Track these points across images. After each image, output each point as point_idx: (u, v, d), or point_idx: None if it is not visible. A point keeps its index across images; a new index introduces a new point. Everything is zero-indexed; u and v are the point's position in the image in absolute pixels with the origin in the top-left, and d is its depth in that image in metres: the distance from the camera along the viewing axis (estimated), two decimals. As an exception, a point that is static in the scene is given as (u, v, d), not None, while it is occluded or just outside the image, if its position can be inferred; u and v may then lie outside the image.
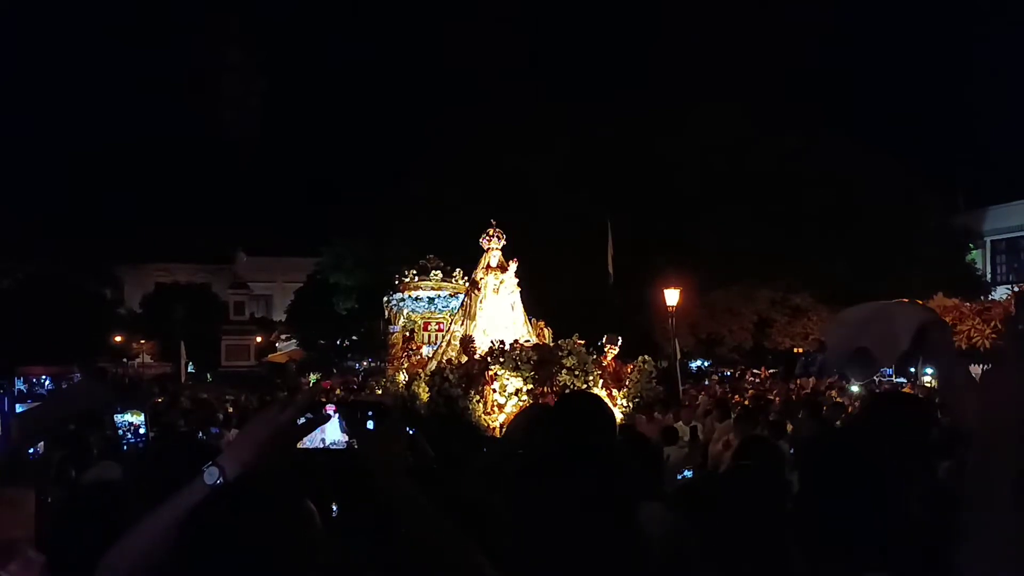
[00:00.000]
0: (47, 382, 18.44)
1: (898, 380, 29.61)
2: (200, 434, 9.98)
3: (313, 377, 38.08)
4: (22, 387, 16.85)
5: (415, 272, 16.19)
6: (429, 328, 16.10)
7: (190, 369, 39.22)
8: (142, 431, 6.75)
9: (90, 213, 41.99)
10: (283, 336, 52.38)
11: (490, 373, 11.89)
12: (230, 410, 16.59)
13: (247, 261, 55.30)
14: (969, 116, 47.24)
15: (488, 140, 35.04)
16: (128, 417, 6.58)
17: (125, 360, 42.90)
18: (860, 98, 44.50)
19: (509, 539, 2.09)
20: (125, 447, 6.74)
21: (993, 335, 28.21)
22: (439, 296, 15.98)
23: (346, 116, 56.30)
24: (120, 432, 6.57)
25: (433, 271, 16.08)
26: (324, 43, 57.70)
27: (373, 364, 40.54)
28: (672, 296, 23.00)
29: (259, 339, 50.14)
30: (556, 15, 44.56)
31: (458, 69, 41.21)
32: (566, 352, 12.18)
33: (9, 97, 43.07)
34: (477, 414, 11.41)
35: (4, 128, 42.53)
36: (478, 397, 11.67)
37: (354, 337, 46.18)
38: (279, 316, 54.16)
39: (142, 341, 46.38)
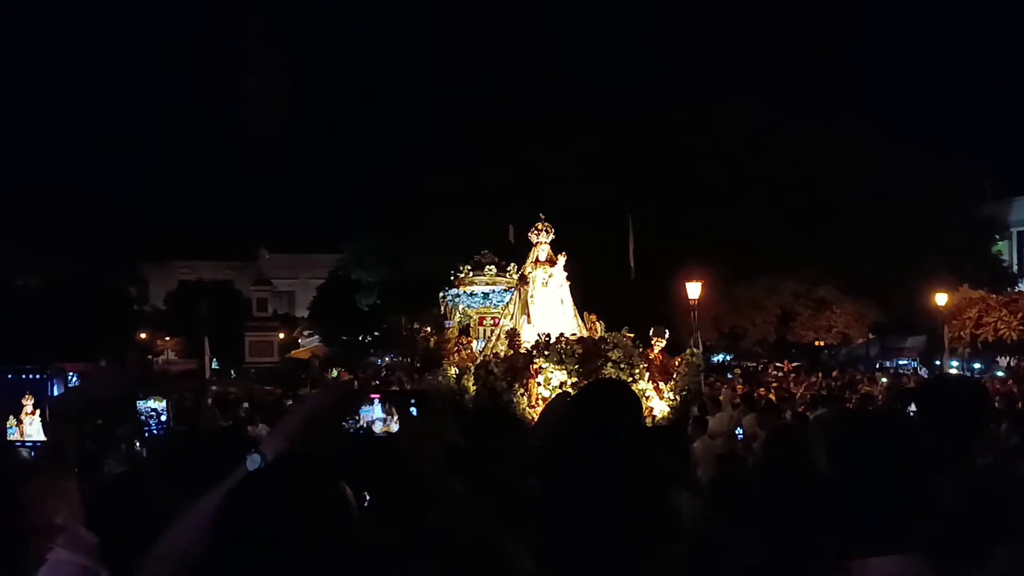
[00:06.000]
0: (74, 379, 18.65)
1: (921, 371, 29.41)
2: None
3: (335, 372, 38.27)
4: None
5: (470, 267, 16.27)
6: (484, 323, 16.15)
7: (214, 366, 39.49)
8: (163, 418, 6.84)
9: (114, 211, 42.28)
10: (306, 332, 52.66)
11: (534, 366, 11.92)
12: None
13: (270, 258, 55.63)
14: (995, 106, 46.73)
15: (510, 135, 35.01)
16: (151, 403, 6.67)
17: (150, 357, 43.29)
18: (885, 88, 44.12)
19: (541, 522, 2.09)
20: (147, 433, 6.83)
21: (1020, 326, 27.92)
22: (493, 291, 16.03)
23: (367, 113, 56.43)
24: (143, 418, 6.66)
25: (487, 266, 16.14)
26: (346, 42, 57.89)
27: (395, 359, 40.69)
28: (694, 289, 22.93)
29: (282, 335, 50.41)
30: (573, 11, 44.51)
31: (480, 66, 41.24)
32: (611, 345, 12.16)
33: (29, 96, 43.53)
34: (521, 407, 11.41)
35: (29, 126, 43.01)
36: (522, 390, 11.69)
37: (376, 333, 46.38)
38: (302, 312, 54.45)
39: (166, 338, 46.76)
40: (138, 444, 6.96)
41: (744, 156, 32.94)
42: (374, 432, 2.10)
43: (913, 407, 3.19)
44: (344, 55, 58.15)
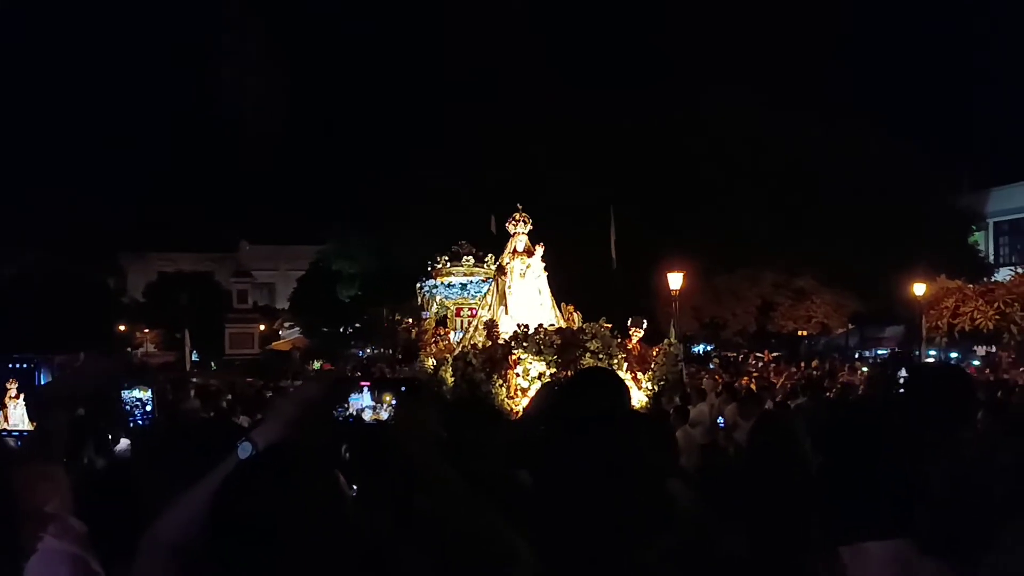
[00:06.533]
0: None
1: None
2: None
3: (316, 364, 38.17)
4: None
5: (447, 258, 16.21)
6: (461, 314, 16.14)
7: (194, 358, 39.28)
8: (148, 408, 6.80)
9: (93, 202, 41.85)
10: (286, 324, 52.46)
11: (513, 357, 11.96)
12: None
13: (250, 250, 55.34)
14: (973, 97, 47.08)
15: (494, 127, 34.85)
16: (136, 393, 6.63)
17: (129, 349, 42.97)
18: (862, 78, 44.26)
19: (533, 510, 2.09)
20: (132, 423, 6.79)
21: (996, 316, 28.24)
22: (471, 282, 16.01)
23: (361, 110, 55.96)
24: (128, 408, 6.62)
25: (465, 257, 16.10)
26: (332, 33, 57.51)
27: (376, 351, 40.62)
28: (675, 280, 22.98)
29: (262, 327, 50.21)
30: (573, 11, 44.32)
31: (469, 60, 40.95)
32: (590, 335, 12.22)
33: (14, 87, 43.03)
34: (500, 398, 11.45)
35: (9, 118, 42.51)
36: (501, 381, 11.73)
37: (357, 324, 46.25)
38: (282, 304, 54.23)
39: (146, 330, 46.44)
40: (110, 436, 6.92)
41: (725, 149, 32.95)
42: (364, 420, 2.10)
43: (903, 372, 3.23)
44: (344, 55, 57.82)
